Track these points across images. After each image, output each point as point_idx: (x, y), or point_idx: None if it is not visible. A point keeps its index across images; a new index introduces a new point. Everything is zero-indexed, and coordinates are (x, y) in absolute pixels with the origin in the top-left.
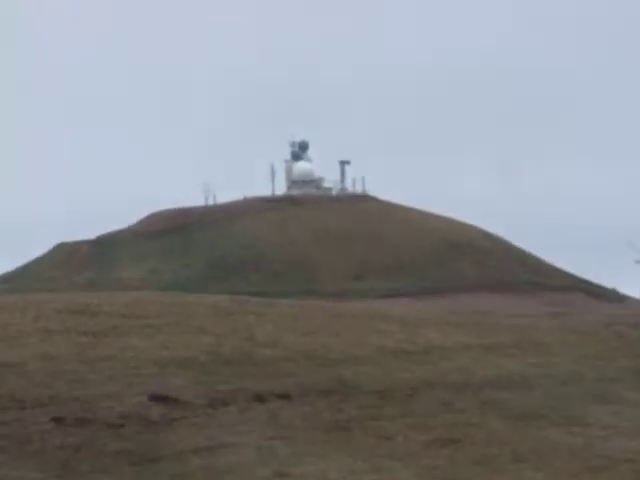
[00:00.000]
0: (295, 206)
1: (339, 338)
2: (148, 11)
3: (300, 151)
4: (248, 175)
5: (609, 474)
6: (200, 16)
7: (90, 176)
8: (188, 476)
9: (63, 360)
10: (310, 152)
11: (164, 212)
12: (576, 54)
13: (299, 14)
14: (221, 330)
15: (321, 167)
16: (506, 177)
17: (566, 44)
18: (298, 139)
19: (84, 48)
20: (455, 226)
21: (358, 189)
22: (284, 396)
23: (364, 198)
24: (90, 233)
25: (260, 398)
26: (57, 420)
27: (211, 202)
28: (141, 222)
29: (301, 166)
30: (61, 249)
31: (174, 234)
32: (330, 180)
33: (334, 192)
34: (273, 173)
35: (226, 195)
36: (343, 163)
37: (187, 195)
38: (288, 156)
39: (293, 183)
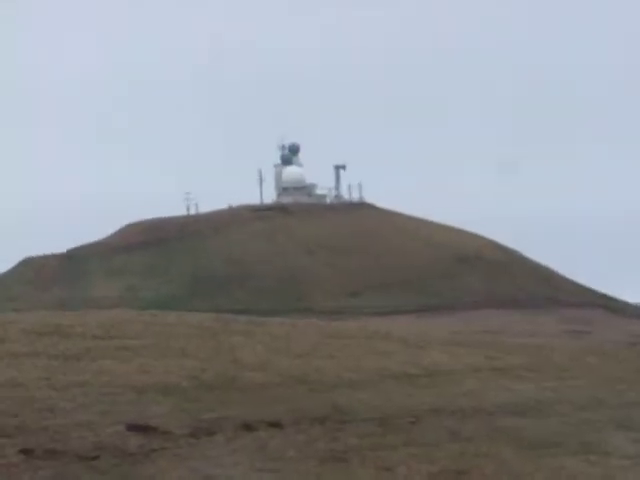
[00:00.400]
0: (285, 215)
1: (334, 360)
2: (130, 11)
3: (290, 155)
4: (233, 182)
5: None
6: (182, 16)
7: (59, 183)
8: None
9: (31, 386)
10: (301, 156)
11: (142, 223)
12: (576, 54)
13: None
14: (205, 352)
15: (314, 172)
16: (514, 182)
17: (566, 44)
18: (288, 141)
19: (67, 52)
20: (462, 236)
21: (354, 196)
22: (274, 424)
23: (361, 206)
24: (60, 246)
25: (248, 427)
26: (25, 452)
27: (193, 212)
28: (116, 234)
29: (292, 171)
30: (28, 264)
31: (153, 247)
32: (324, 186)
33: (328, 200)
34: (261, 179)
35: (210, 204)
36: (338, 168)
37: (167, 204)
38: (277, 160)
39: (283, 190)
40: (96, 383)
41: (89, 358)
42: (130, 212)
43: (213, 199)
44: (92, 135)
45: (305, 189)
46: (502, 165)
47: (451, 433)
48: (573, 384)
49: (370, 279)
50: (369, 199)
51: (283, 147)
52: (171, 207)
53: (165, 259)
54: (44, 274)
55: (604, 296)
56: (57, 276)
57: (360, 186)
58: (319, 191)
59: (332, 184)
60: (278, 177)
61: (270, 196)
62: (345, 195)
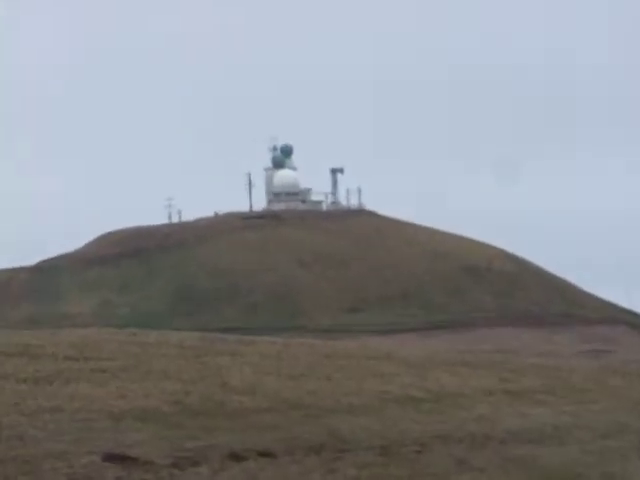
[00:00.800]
0: (277, 224)
1: (331, 383)
2: (116, 14)
3: (283, 157)
4: (220, 186)
5: None
6: (169, 16)
7: (27, 190)
8: None
9: None
10: (295, 158)
11: (119, 232)
12: (576, 54)
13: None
14: (189, 375)
15: (308, 176)
16: (520, 185)
17: (566, 44)
18: (280, 143)
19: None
20: (471, 246)
21: (353, 202)
22: (265, 454)
23: (360, 213)
24: (29, 259)
25: (236, 456)
26: None
27: (176, 220)
28: (91, 245)
29: (284, 175)
30: None
31: (131, 259)
32: (319, 192)
33: (324, 206)
34: (250, 184)
35: (194, 211)
36: (335, 171)
37: (146, 211)
38: (268, 163)
39: (275, 196)
40: (69, 408)
41: (61, 381)
42: (105, 220)
43: (198, 206)
44: (63, 135)
45: (299, 194)
46: (504, 167)
47: (460, 463)
48: (593, 408)
49: (370, 293)
50: (369, 205)
51: (275, 148)
52: (151, 215)
53: (144, 272)
54: (12, 289)
55: (627, 311)
56: (26, 291)
57: (359, 191)
58: (314, 197)
59: (329, 189)
60: (269, 181)
61: (260, 202)
62: (343, 201)
